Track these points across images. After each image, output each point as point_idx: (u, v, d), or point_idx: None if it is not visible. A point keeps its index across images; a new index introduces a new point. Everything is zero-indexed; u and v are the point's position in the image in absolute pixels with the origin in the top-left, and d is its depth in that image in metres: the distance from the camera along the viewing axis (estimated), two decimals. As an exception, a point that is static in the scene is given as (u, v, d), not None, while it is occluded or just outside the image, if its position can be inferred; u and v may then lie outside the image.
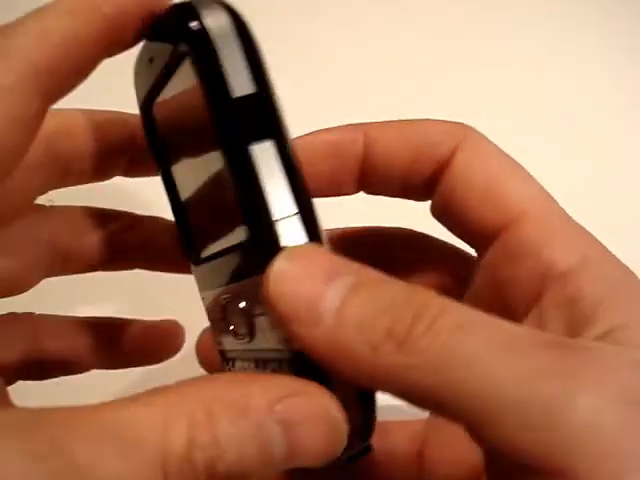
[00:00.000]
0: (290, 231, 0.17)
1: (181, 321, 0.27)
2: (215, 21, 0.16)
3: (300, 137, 0.20)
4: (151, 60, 0.19)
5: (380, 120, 0.22)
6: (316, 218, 0.17)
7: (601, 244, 0.19)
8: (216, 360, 0.24)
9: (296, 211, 0.17)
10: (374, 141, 0.20)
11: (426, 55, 0.44)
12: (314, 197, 0.21)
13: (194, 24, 0.16)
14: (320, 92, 0.41)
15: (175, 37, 0.17)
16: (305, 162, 0.20)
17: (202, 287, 0.22)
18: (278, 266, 0.16)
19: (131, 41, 0.19)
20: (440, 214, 0.22)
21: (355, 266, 0.16)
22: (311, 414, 0.15)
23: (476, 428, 0.14)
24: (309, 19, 0.46)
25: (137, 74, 0.21)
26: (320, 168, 0.20)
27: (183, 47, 0.17)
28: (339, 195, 0.22)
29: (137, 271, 0.26)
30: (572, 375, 0.14)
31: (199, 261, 0.21)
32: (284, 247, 0.16)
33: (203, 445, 0.14)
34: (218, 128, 0.17)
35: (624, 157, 0.41)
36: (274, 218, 0.17)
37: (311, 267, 0.16)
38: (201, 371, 0.26)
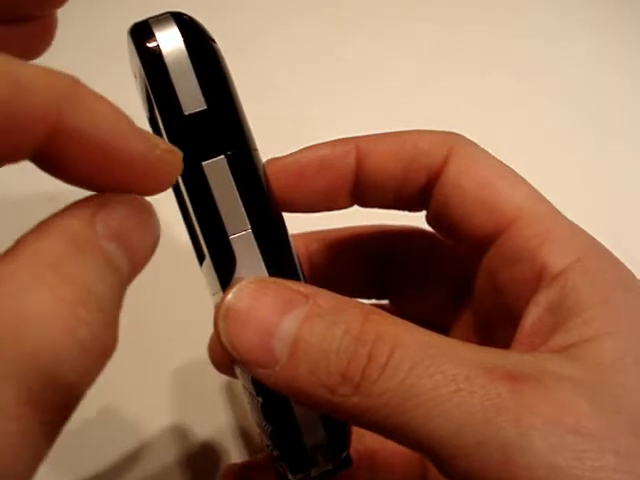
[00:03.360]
0: (242, 247, 0.17)
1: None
2: (167, 40, 0.17)
3: (291, 154, 0.20)
4: (135, 76, 0.19)
5: (371, 132, 0.22)
6: (275, 231, 0.18)
7: (597, 243, 0.19)
8: (228, 361, 0.24)
9: (249, 227, 0.17)
10: (366, 154, 0.21)
11: (417, 62, 0.44)
12: (309, 212, 0.21)
13: (146, 44, 0.17)
14: (310, 105, 0.41)
15: (135, 56, 0.17)
16: (297, 179, 0.20)
17: (209, 288, 0.22)
18: (226, 306, 0.16)
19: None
20: (435, 223, 0.22)
21: (307, 292, 0.16)
22: (124, 215, 0.14)
23: (439, 464, 0.15)
24: (299, 27, 0.46)
25: (136, 88, 0.21)
26: (313, 184, 0.20)
27: (140, 66, 0.17)
28: (334, 209, 0.22)
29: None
30: (526, 413, 0.14)
31: (201, 263, 0.22)
32: (235, 264, 0.17)
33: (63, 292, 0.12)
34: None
35: (625, 157, 0.41)
36: (225, 234, 0.17)
37: (260, 303, 0.16)
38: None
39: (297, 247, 0.26)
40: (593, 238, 0.19)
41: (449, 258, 0.24)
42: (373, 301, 0.27)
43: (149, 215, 0.15)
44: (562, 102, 0.43)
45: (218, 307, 0.16)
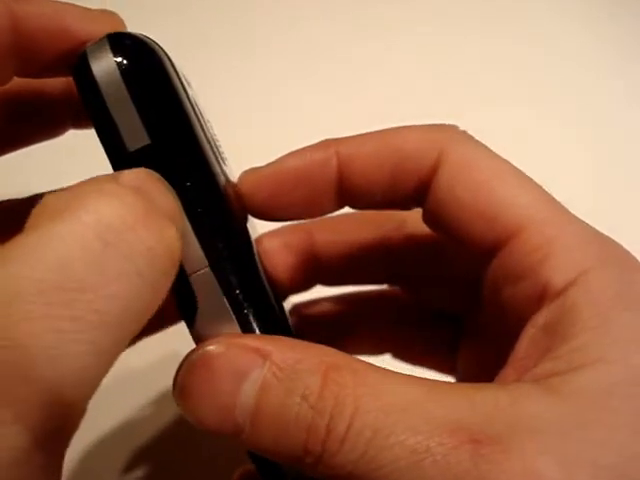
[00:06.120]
0: (203, 287, 0.16)
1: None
2: (102, 70, 0.15)
3: (269, 164, 0.19)
4: None
5: (364, 120, 0.20)
6: (237, 264, 0.16)
7: (611, 249, 0.17)
8: None
9: (206, 264, 0.16)
10: (348, 161, 0.19)
11: (414, 54, 0.42)
12: (292, 220, 0.20)
13: (82, 78, 0.15)
14: (301, 102, 0.39)
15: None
16: (276, 190, 0.19)
17: None
18: (179, 384, 0.15)
19: (47, 63, 0.16)
20: (433, 227, 0.20)
21: (264, 349, 0.15)
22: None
23: None
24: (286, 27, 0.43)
25: None
26: (292, 196, 0.19)
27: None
28: (320, 216, 0.20)
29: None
30: None
31: None
32: (197, 305, 0.16)
33: None
34: None
35: (627, 155, 0.39)
36: (184, 274, 0.16)
37: (212, 376, 0.15)
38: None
39: (303, 235, 0.25)
40: (607, 243, 0.17)
41: (460, 255, 0.22)
42: (385, 286, 0.26)
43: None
44: (562, 99, 0.41)
45: (173, 382, 0.15)
